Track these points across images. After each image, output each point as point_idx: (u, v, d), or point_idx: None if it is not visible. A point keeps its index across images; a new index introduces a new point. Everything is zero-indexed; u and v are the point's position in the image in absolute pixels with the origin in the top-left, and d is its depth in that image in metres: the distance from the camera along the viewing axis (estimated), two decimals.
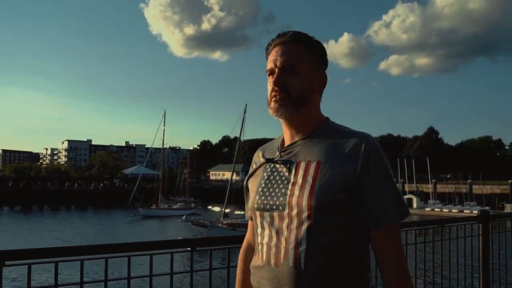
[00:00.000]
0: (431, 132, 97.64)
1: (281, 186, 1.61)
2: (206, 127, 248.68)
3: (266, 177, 1.67)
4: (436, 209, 56.40)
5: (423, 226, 4.52)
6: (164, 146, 65.64)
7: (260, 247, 1.65)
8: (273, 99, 1.62)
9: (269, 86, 1.65)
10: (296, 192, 1.55)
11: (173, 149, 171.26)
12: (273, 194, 1.62)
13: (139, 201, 55.91)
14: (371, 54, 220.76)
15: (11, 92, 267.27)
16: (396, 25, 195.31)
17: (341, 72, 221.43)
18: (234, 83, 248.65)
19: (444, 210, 55.17)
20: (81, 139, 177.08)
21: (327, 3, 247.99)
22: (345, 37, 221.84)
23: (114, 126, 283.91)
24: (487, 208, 52.97)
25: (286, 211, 1.56)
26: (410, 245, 4.25)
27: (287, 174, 1.61)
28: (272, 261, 1.58)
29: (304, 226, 1.51)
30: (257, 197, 1.66)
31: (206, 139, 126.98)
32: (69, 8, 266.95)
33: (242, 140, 45.51)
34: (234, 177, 45.69)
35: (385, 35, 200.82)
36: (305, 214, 1.51)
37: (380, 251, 1.53)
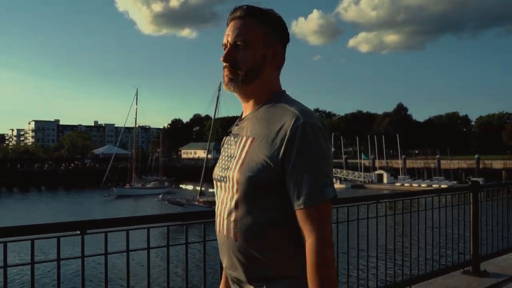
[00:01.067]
0: (400, 109, 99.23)
1: (228, 158, 1.67)
2: (177, 105, 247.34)
3: (223, 149, 1.75)
4: (406, 184, 57.67)
5: (418, 196, 4.93)
6: (127, 125, 65.09)
7: (215, 216, 1.72)
8: (224, 74, 1.66)
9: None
10: (233, 166, 1.60)
11: (143, 128, 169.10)
12: (224, 165, 1.68)
13: (111, 181, 55.46)
14: (341, 31, 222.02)
15: None
16: (365, 2, 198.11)
17: (310, 49, 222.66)
18: (204, 60, 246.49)
19: (414, 185, 56.40)
20: (48, 119, 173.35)
21: None
22: (315, 14, 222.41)
23: (82, 106, 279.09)
24: (455, 182, 54.61)
25: (227, 183, 1.62)
26: (406, 214, 4.60)
27: (233, 147, 1.67)
28: (218, 229, 1.68)
29: (234, 199, 1.58)
30: (216, 168, 1.74)
31: (177, 118, 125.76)
32: None
33: (216, 118, 45.38)
34: (208, 155, 45.77)
35: (355, 12, 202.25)
36: (235, 188, 1.57)
37: (303, 231, 1.51)
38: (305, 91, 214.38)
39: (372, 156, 73.23)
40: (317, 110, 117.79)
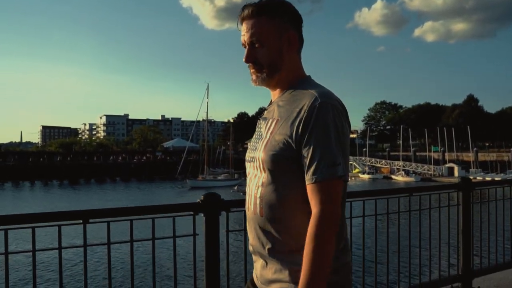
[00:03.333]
0: (471, 100, 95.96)
1: (258, 140, 1.78)
2: (242, 99, 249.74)
3: (255, 133, 1.85)
4: (478, 178, 56.22)
5: (406, 194, 4.11)
6: (200, 119, 66.60)
7: (246, 194, 1.84)
8: (251, 73, 1.80)
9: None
10: (260, 146, 1.72)
11: (209, 122, 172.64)
12: (253, 147, 1.80)
13: (184, 173, 57.22)
14: (405, 21, 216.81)
15: (45, 68, 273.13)
16: None
17: (374, 40, 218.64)
18: None
19: (487, 178, 54.94)
20: (118, 114, 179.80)
21: None
22: (379, 4, 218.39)
23: (150, 100, 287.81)
24: None
25: (255, 162, 1.73)
26: (391, 214, 3.95)
27: (262, 130, 1.77)
28: (247, 206, 1.80)
29: (261, 177, 1.70)
30: (248, 150, 1.86)
31: (243, 111, 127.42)
32: None
33: None
34: None
35: (420, 0, 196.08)
36: (261, 166, 1.69)
37: (311, 205, 1.58)
38: (370, 83, 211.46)
39: (442, 149, 71.70)
40: (383, 102, 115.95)
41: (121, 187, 58.66)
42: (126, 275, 11.59)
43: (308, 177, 1.58)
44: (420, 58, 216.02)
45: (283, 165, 1.63)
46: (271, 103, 1.84)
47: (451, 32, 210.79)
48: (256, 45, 1.75)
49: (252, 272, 1.89)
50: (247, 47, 1.77)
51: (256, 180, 1.72)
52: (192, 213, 2.92)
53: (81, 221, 2.59)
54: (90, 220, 2.61)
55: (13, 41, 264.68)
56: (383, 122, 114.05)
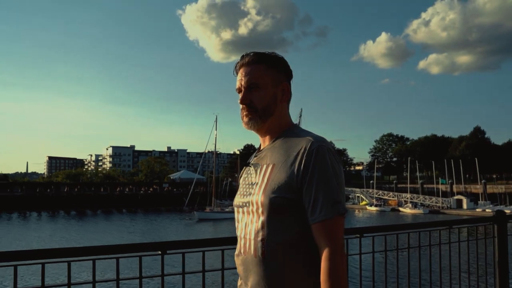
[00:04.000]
0: (477, 132, 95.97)
1: (249, 185, 1.84)
2: (247, 131, 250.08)
3: (243, 178, 1.93)
4: (487, 210, 55.89)
5: (431, 228, 3.96)
6: (206, 151, 66.72)
7: (238, 238, 1.89)
8: (243, 115, 1.87)
9: (239, 103, 1.90)
10: (256, 191, 1.77)
11: (212, 154, 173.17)
12: (245, 192, 1.85)
13: (192, 205, 57.26)
14: (410, 54, 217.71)
15: (52, 99, 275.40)
16: (435, 23, 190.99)
17: (379, 72, 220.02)
18: None
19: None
20: (124, 145, 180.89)
21: (364, 3, 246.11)
22: (383, 37, 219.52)
23: (156, 132, 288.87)
24: None
25: (250, 207, 1.79)
26: (414, 248, 3.77)
27: (254, 175, 1.85)
28: (242, 250, 1.82)
29: (260, 221, 1.74)
30: (237, 196, 1.92)
31: (249, 143, 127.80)
32: (106, 15, 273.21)
33: None
34: None
35: (424, 33, 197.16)
36: (260, 210, 1.73)
37: (317, 243, 1.67)
38: (375, 115, 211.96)
39: (449, 181, 71.46)
40: (390, 134, 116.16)
41: (128, 218, 58.49)
42: None
43: (313, 216, 1.66)
44: (425, 90, 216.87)
45: (282, 207, 1.70)
46: (259, 150, 1.92)
47: (455, 64, 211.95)
48: (253, 89, 1.84)
49: None
50: (243, 90, 1.86)
51: (254, 223, 1.76)
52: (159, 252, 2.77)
53: (159, 252, 2.73)
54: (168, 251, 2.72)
55: (20, 73, 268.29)
56: (389, 154, 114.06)
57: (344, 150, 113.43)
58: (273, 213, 1.70)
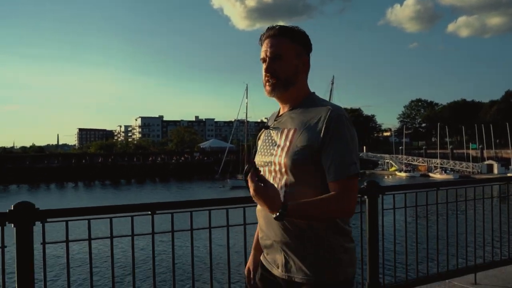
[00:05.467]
0: (509, 96, 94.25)
1: (271, 147, 1.98)
2: (270, 100, 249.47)
3: (264, 140, 2.07)
4: None
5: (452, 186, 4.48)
6: (237, 119, 67.09)
7: None
8: (267, 83, 1.99)
9: (263, 72, 2.00)
10: (279, 153, 1.91)
11: (241, 122, 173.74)
12: (266, 153, 2.00)
13: (225, 172, 58.37)
14: (438, 17, 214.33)
15: (81, 71, 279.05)
16: None
17: (406, 36, 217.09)
18: None
19: None
20: (153, 116, 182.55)
21: None
22: (411, 0, 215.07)
23: (183, 101, 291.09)
24: None
25: (272, 167, 1.93)
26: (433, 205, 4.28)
27: (276, 138, 1.98)
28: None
29: (284, 179, 1.89)
30: (258, 155, 2.06)
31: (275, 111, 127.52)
32: None
33: None
34: None
35: None
36: (283, 170, 1.88)
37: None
38: (403, 80, 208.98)
39: (480, 146, 70.92)
40: (418, 100, 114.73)
41: (162, 187, 59.89)
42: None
43: (330, 176, 1.82)
44: (455, 54, 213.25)
45: (303, 167, 1.85)
46: (279, 115, 2.06)
47: (486, 26, 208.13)
48: (277, 60, 1.95)
49: (261, 263, 2.11)
50: (267, 60, 1.97)
51: (277, 181, 1.90)
52: None
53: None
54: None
55: (50, 46, 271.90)
56: (418, 120, 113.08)
57: (373, 116, 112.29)
58: (295, 172, 1.85)
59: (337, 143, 1.81)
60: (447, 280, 4.46)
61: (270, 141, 2.01)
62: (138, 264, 3.04)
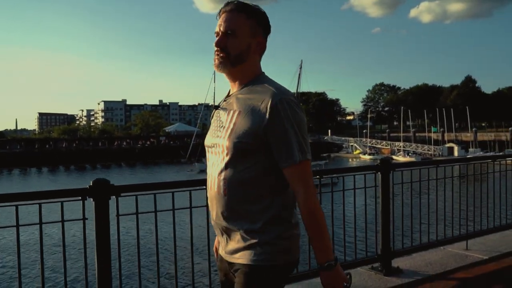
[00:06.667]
0: (469, 81, 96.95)
1: (218, 128, 1.95)
2: None
3: (214, 120, 2.03)
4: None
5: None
6: (204, 103, 66.86)
7: (207, 176, 2.02)
8: (215, 57, 1.93)
9: (213, 45, 1.94)
10: (223, 134, 1.88)
11: (207, 106, 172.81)
12: (214, 134, 1.96)
13: (184, 157, 58.41)
14: (401, 2, 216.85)
15: (41, 54, 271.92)
16: None
17: (369, 21, 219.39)
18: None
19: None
20: (115, 100, 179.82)
21: None
22: None
23: (146, 85, 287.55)
24: None
25: (217, 148, 1.91)
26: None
27: (222, 119, 1.94)
28: (209, 187, 1.97)
29: (224, 161, 1.87)
30: (207, 136, 2.03)
31: None
32: None
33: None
34: None
35: None
36: (225, 152, 1.86)
37: (291, 186, 1.84)
38: (366, 65, 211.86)
39: (441, 129, 72.95)
40: (382, 84, 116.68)
41: (128, 171, 59.42)
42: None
43: (283, 162, 1.81)
44: (417, 39, 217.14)
45: (244, 151, 1.82)
46: (228, 95, 2.00)
47: (447, 12, 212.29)
48: (230, 35, 1.89)
49: (215, 245, 2.21)
50: (220, 34, 1.92)
51: (219, 163, 1.89)
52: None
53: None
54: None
55: (8, 29, 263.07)
56: (381, 104, 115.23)
57: (337, 100, 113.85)
58: (235, 156, 1.83)
59: (282, 129, 1.78)
60: (442, 247, 5.00)
61: (218, 122, 1.98)
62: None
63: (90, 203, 2.96)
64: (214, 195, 1.92)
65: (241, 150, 1.82)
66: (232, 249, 1.92)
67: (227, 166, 1.86)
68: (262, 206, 1.85)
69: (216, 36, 1.93)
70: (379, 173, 4.36)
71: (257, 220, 1.85)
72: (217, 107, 2.03)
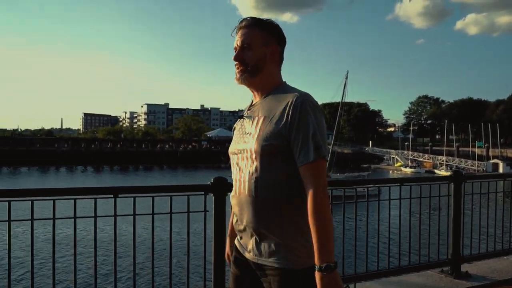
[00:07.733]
0: None
1: (244, 135, 2.02)
2: None
3: (237, 129, 2.11)
4: None
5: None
6: (238, 109, 67.51)
7: (233, 181, 2.07)
8: (236, 71, 2.05)
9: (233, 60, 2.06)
10: (249, 140, 1.96)
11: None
12: (240, 141, 2.04)
13: (225, 162, 58.98)
14: (447, 13, 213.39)
15: (88, 56, 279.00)
16: None
17: (414, 32, 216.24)
18: (304, 44, 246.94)
19: None
20: (158, 103, 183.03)
21: None
22: None
23: (189, 90, 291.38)
24: None
25: (245, 154, 1.97)
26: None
27: (248, 126, 2.02)
28: (237, 191, 2.01)
29: (254, 165, 1.93)
30: (232, 144, 2.10)
31: None
32: None
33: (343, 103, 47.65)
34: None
35: None
36: (253, 156, 1.92)
37: (304, 184, 1.86)
38: (409, 76, 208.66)
39: (486, 145, 71.53)
40: (425, 96, 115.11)
41: (169, 174, 60.61)
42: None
43: (299, 160, 1.86)
44: (462, 51, 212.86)
45: (272, 153, 1.89)
46: (252, 104, 2.10)
47: (495, 24, 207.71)
48: (246, 49, 2.02)
49: (235, 246, 2.16)
50: (237, 49, 2.05)
51: (248, 168, 1.95)
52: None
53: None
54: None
55: (58, 30, 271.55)
56: (424, 116, 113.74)
57: (379, 111, 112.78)
58: (265, 158, 1.90)
59: (303, 128, 1.85)
60: (505, 257, 5.32)
61: (243, 129, 2.05)
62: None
63: (211, 198, 3.39)
64: (244, 198, 1.97)
65: (269, 152, 1.89)
66: (264, 251, 1.95)
67: (257, 169, 1.92)
68: (294, 207, 1.91)
69: (235, 51, 2.07)
70: (452, 183, 4.69)
71: (290, 222, 1.91)
72: (241, 117, 2.13)
